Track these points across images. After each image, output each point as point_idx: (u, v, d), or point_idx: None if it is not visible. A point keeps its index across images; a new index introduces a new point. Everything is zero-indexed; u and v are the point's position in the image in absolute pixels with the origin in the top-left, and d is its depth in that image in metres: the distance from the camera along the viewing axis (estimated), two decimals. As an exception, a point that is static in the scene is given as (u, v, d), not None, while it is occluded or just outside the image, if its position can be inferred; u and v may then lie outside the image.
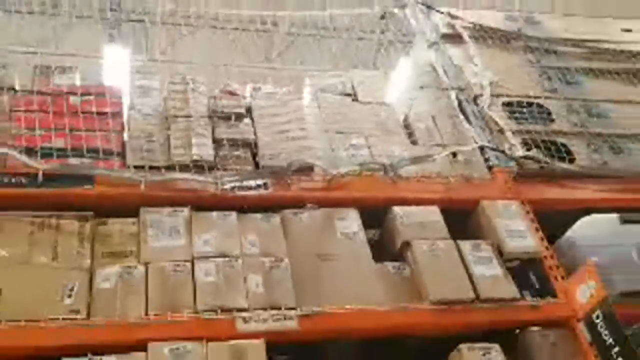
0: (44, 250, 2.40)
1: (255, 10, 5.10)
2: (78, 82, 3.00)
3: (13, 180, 2.52)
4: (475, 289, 2.68)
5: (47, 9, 4.48)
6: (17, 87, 2.89)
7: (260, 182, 2.83)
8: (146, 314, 2.35)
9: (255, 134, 3.05)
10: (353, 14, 4.36)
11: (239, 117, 3.09)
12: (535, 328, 2.70)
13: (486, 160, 3.26)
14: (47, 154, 2.64)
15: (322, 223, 2.81)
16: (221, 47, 5.55)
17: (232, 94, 3.19)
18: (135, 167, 2.74)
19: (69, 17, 4.58)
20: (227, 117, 3.07)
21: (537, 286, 2.80)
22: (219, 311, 2.40)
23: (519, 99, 3.64)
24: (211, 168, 2.84)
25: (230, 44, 5.64)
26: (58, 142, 2.70)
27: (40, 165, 2.54)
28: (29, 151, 2.62)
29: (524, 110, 3.58)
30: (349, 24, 4.91)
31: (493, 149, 3.28)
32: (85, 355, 2.18)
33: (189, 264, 2.51)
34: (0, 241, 2.39)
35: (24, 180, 2.53)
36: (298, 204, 2.84)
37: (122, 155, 2.79)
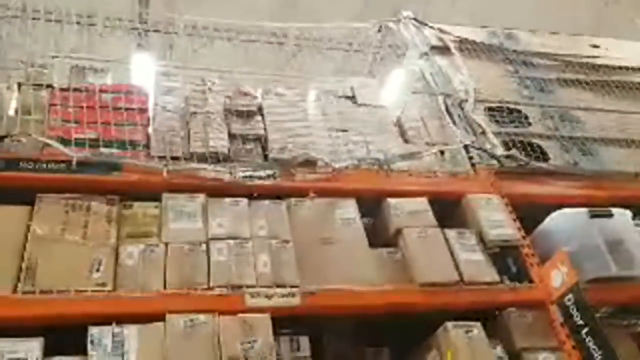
0: (75, 229, 2.34)
1: (267, 22, 5.05)
2: (109, 82, 2.94)
3: (50, 166, 2.46)
4: (459, 273, 2.62)
5: (83, 20, 4.42)
6: (54, 85, 2.83)
7: (269, 172, 2.78)
8: (165, 288, 2.30)
9: (265, 130, 2.99)
10: (353, 27, 4.28)
11: (251, 114, 3.04)
12: (513, 309, 2.65)
13: (470, 158, 3.20)
14: (80, 144, 2.58)
15: (323, 210, 2.75)
16: (235, 56, 5.48)
17: (245, 94, 3.13)
18: (159, 157, 2.69)
19: (103, 27, 4.52)
20: (240, 115, 3.01)
21: (514, 271, 2.74)
22: (229, 287, 2.35)
23: (499, 104, 3.58)
24: (226, 159, 2.79)
25: (243, 53, 5.57)
26: (90, 134, 2.64)
27: (74, 154, 2.48)
28: (65, 141, 2.55)
29: (504, 114, 3.52)
30: (349, 36, 4.86)
31: (476, 148, 3.22)
32: (110, 324, 2.13)
33: (204, 245, 2.45)
34: (38, 220, 2.33)
35: (59, 166, 2.47)
36: (302, 193, 2.78)
37: (147, 146, 2.73)
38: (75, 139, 2.59)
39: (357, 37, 4.80)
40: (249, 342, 2.17)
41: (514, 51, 4.01)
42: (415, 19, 3.97)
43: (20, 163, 2.45)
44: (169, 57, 5.46)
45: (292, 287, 2.41)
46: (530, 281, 2.72)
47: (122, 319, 2.16)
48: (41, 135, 2.56)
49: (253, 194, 2.72)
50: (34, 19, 3.65)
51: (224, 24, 4.87)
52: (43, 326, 2.14)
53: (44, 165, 2.46)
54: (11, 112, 2.77)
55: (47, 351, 2.04)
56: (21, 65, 2.97)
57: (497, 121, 3.45)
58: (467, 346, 2.42)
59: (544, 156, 3.36)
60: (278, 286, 2.40)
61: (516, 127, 3.48)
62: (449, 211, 2.95)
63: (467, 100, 3.46)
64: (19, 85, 2.85)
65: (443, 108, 3.44)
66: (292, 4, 6.90)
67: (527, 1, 6.52)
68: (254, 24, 4.93)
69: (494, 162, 3.19)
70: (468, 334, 2.46)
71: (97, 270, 2.25)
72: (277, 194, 2.75)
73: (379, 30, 4.07)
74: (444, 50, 3.83)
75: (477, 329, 2.48)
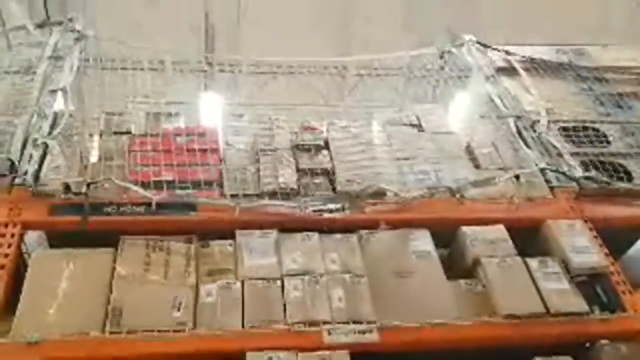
0: (157, 269, 2.43)
1: (327, 57, 5.14)
2: (182, 125, 3.07)
3: (132, 209, 2.58)
4: (544, 303, 2.50)
5: (154, 66, 4.67)
6: (132, 131, 2.99)
7: (338, 206, 2.78)
8: (243, 326, 2.32)
9: (332, 163, 3.02)
10: (414, 54, 4.28)
11: (318, 149, 3.08)
12: (605, 341, 2.48)
13: (547, 181, 3.06)
14: (158, 186, 2.69)
15: (396, 242, 2.71)
16: (298, 90, 5.60)
17: (311, 129, 3.18)
18: (231, 195, 2.76)
19: (172, 71, 4.76)
20: (307, 150, 3.06)
21: (605, 300, 2.58)
22: (306, 324, 2.34)
23: (574, 124, 3.45)
24: (295, 194, 2.82)
25: (306, 87, 5.68)
26: (167, 176, 2.75)
27: (153, 196, 2.59)
28: (144, 184, 2.67)
29: (580, 134, 3.39)
30: (410, 63, 4.87)
31: (553, 171, 3.08)
32: (192, 363, 2.18)
33: (279, 281, 2.47)
34: (122, 262, 2.43)
35: (140, 209, 2.58)
36: (373, 225, 2.75)
37: (220, 185, 2.82)
38: (154, 181, 2.71)
39: (417, 64, 4.80)
40: (329, 380, 2.15)
41: (585, 67, 3.87)
42: (478, 42, 3.92)
43: (104, 207, 2.58)
44: (235, 96, 5.66)
45: (368, 322, 2.38)
46: (623, 310, 2.56)
47: (202, 357, 2.22)
48: (122, 179, 2.69)
49: (323, 228, 2.72)
50: (104, 68, 3.89)
51: (285, 61, 5.01)
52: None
53: (126, 209, 2.58)
54: (93, 159, 2.95)
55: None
56: (101, 114, 3.16)
57: (573, 141, 3.32)
58: (558, 382, 2.30)
59: (627, 176, 3.18)
60: (354, 322, 2.37)
61: (594, 146, 3.33)
62: (528, 239, 2.83)
63: (539, 121, 3.35)
64: (101, 133, 3.03)
65: (514, 131, 3.33)
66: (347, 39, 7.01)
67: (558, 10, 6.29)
68: (314, 59, 5.04)
69: (573, 184, 3.05)
70: (558, 369, 2.33)
71: (178, 309, 2.31)
72: (347, 227, 2.74)
73: (441, 57, 4.04)
74: (510, 71, 3.75)
75: (568, 364, 2.35)
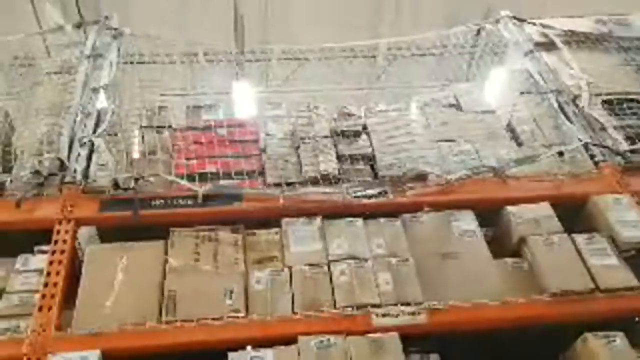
0: (207, 259, 2.51)
1: (357, 41, 5.12)
2: (222, 117, 3.13)
3: (179, 201, 2.66)
4: (593, 280, 2.49)
5: (185, 58, 4.73)
6: (174, 125, 3.06)
7: (380, 190, 2.81)
8: (293, 311, 2.39)
9: (372, 148, 3.04)
10: (450, 33, 4.23)
11: (357, 134, 3.11)
12: (656, 315, 2.47)
13: (592, 157, 3.03)
14: (203, 179, 2.77)
15: (440, 224, 2.73)
16: (331, 75, 5.60)
17: (349, 114, 3.20)
18: (274, 184, 2.81)
19: (205, 63, 4.83)
20: (346, 135, 3.09)
21: (654, 275, 2.55)
22: (355, 307, 2.39)
23: (617, 96, 3.37)
24: (337, 181, 2.86)
25: (338, 72, 5.68)
26: (211, 168, 2.83)
27: (199, 189, 2.66)
28: (189, 177, 2.75)
29: (624, 106, 3.31)
30: (444, 42, 4.81)
31: (598, 145, 3.04)
32: (244, 348, 2.25)
33: (325, 266, 2.52)
34: (173, 253, 2.52)
35: (187, 201, 2.67)
36: (416, 208, 2.78)
37: (262, 174, 2.88)
38: (198, 174, 2.78)
39: (450, 43, 4.75)
40: (381, 362, 2.20)
41: (627, 37, 3.76)
42: (515, 17, 3.85)
43: (152, 202, 2.67)
44: (266, 84, 5.71)
45: (416, 304, 2.41)
46: (674, 284, 2.52)
47: (255, 343, 2.28)
48: (168, 174, 2.77)
49: (366, 213, 2.75)
50: (141, 62, 3.97)
51: (315, 47, 5.01)
52: (184, 353, 2.32)
53: (174, 202, 2.66)
54: (136, 155, 3.04)
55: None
56: (142, 110, 3.24)
57: (617, 114, 3.25)
58: (610, 357, 2.30)
59: (674, 147, 3.10)
60: (402, 304, 2.41)
61: (639, 118, 3.25)
62: (574, 215, 2.81)
63: (581, 95, 3.29)
64: (142, 128, 3.11)
65: (556, 106, 3.28)
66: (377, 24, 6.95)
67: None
68: (345, 44, 5.03)
69: (619, 158, 3.01)
70: (610, 344, 2.33)
71: (230, 297, 2.39)
72: (390, 211, 2.77)
73: (478, 33, 3.98)
74: (549, 45, 3.68)
75: (619, 338, 2.34)
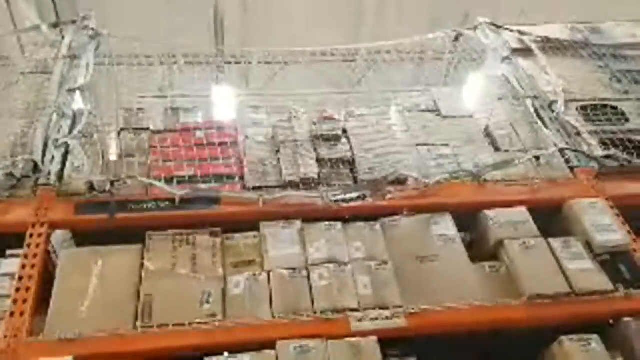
0: (184, 263, 2.48)
1: (337, 45, 5.13)
2: (200, 119, 3.10)
3: (156, 205, 2.62)
4: (569, 283, 2.52)
5: (164, 60, 4.69)
6: (152, 127, 3.02)
7: (359, 194, 2.81)
8: (272, 315, 2.37)
9: (352, 151, 3.04)
10: (428, 38, 4.27)
11: (337, 138, 3.10)
12: (629, 318, 2.50)
13: (567, 161, 3.08)
14: (181, 181, 2.74)
15: (419, 228, 2.74)
16: (310, 79, 5.60)
17: (329, 118, 3.20)
18: (254, 188, 2.80)
19: (183, 64, 4.78)
20: (327, 139, 3.08)
21: (628, 278, 2.60)
22: (333, 312, 2.38)
23: (592, 102, 3.44)
24: (317, 184, 2.86)
25: (318, 76, 5.67)
26: (189, 171, 2.80)
27: (176, 192, 2.63)
28: (167, 180, 2.72)
29: (598, 112, 3.38)
30: (421, 47, 4.85)
31: (573, 150, 3.09)
32: (222, 353, 2.22)
33: (304, 270, 2.51)
34: (149, 257, 2.48)
35: (164, 204, 2.63)
36: (395, 212, 2.79)
37: (242, 178, 2.85)
38: (176, 177, 2.75)
39: (428, 48, 4.79)
40: (359, 366, 2.19)
41: (602, 45, 3.84)
42: (492, 23, 3.90)
43: (129, 205, 2.63)
44: (247, 87, 5.68)
45: (395, 307, 2.41)
46: (647, 287, 2.57)
47: (233, 348, 2.25)
48: (145, 176, 2.73)
49: (346, 217, 2.75)
50: (120, 64, 3.92)
51: (295, 51, 5.01)
52: (160, 359, 2.28)
53: (150, 205, 2.63)
54: (112, 157, 2.99)
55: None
56: (119, 111, 3.19)
57: (591, 120, 3.31)
58: (585, 360, 2.32)
59: (647, 153, 3.17)
60: (381, 308, 2.41)
61: (613, 124, 3.32)
62: (550, 219, 2.84)
63: (557, 101, 3.34)
64: (119, 130, 3.06)
65: (532, 111, 3.34)
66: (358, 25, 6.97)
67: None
68: (324, 48, 5.03)
69: (593, 163, 3.06)
70: (585, 347, 2.36)
71: (208, 301, 2.36)
72: (370, 215, 2.77)
73: (456, 39, 4.02)
74: (526, 52, 3.74)
75: (595, 341, 2.38)
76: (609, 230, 2.72)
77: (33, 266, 2.42)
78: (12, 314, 2.27)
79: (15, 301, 2.30)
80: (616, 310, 2.53)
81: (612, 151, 3.08)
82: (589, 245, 2.68)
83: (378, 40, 4.86)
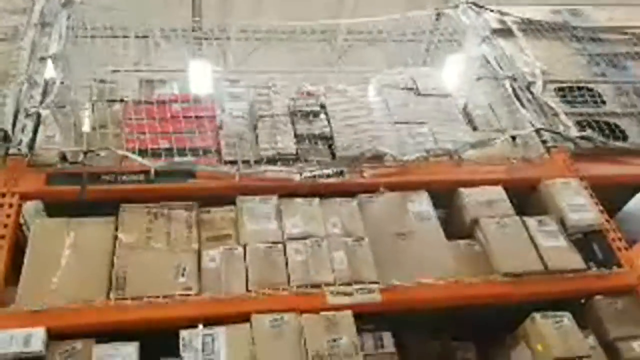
0: (159, 236, 2.45)
1: (315, 22, 5.07)
2: (176, 92, 3.04)
3: (130, 177, 2.58)
4: (543, 261, 2.57)
5: (139, 33, 4.58)
6: (126, 99, 2.96)
7: (337, 170, 2.80)
8: (247, 289, 2.36)
9: (330, 128, 3.02)
10: (407, 16, 4.24)
11: (316, 114, 3.08)
12: (600, 296, 2.57)
13: (543, 142, 3.11)
14: (156, 154, 2.69)
15: (395, 205, 2.75)
16: (290, 55, 5.53)
17: (308, 94, 3.17)
18: (230, 162, 2.76)
19: (159, 38, 4.68)
20: (305, 115, 3.05)
21: (601, 257, 2.66)
22: (309, 286, 2.39)
23: (570, 84, 3.47)
24: (294, 160, 2.84)
25: (297, 52, 5.61)
26: (164, 144, 2.75)
27: (151, 164, 2.59)
28: (141, 152, 2.67)
29: (576, 94, 3.41)
30: (400, 26, 4.83)
31: (549, 131, 3.13)
32: (196, 326, 2.21)
33: (280, 245, 2.50)
34: (124, 230, 2.44)
35: (138, 177, 2.59)
36: (372, 188, 2.79)
37: (218, 152, 2.82)
38: (151, 149, 2.70)
39: (408, 27, 4.77)
40: (334, 340, 2.21)
41: (581, 27, 3.87)
42: (474, 3, 3.89)
43: (102, 176, 2.58)
44: (224, 62, 5.59)
45: (370, 283, 2.42)
46: (619, 266, 2.63)
47: (208, 321, 2.24)
48: (119, 148, 2.68)
49: (323, 193, 2.75)
50: (93, 36, 3.82)
51: (275, 26, 4.94)
52: (133, 331, 2.26)
53: (125, 177, 2.58)
54: (85, 128, 2.92)
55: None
56: (93, 82, 3.12)
57: (568, 102, 3.35)
58: (557, 337, 2.37)
59: (622, 135, 3.22)
60: (356, 283, 2.42)
61: (589, 106, 3.36)
62: (525, 198, 2.88)
63: (535, 82, 3.37)
64: (93, 101, 2.99)
65: (510, 92, 3.35)
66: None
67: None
68: (304, 24, 4.96)
69: (569, 144, 3.10)
70: (558, 324, 2.41)
71: (182, 274, 2.34)
72: (347, 191, 2.77)
73: (437, 18, 4.01)
74: (506, 32, 3.75)
75: (567, 318, 2.42)
76: (583, 210, 2.77)
77: (3, 237, 2.37)
78: (-19, 284, 2.22)
79: (-16, 272, 2.25)
80: (588, 289, 2.60)
81: (588, 132, 3.12)
82: (562, 224, 2.72)
83: (359, 17, 4.81)
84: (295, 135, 2.94)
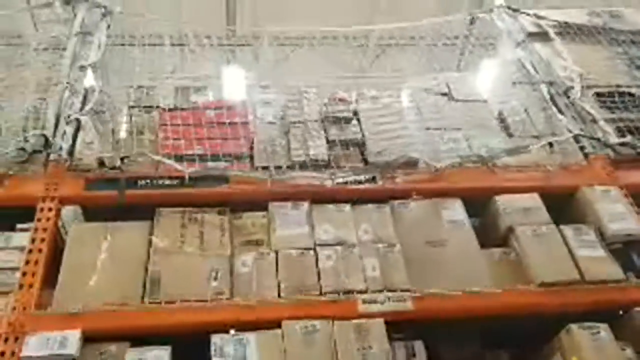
0: (192, 240, 2.48)
1: (348, 27, 5.06)
2: (211, 98, 3.08)
3: (165, 182, 2.62)
4: (579, 271, 2.49)
5: (175, 41, 4.66)
6: (162, 105, 3.01)
7: (369, 176, 2.78)
8: (279, 295, 2.36)
9: (362, 133, 3.01)
10: (442, 21, 4.19)
11: (348, 120, 3.07)
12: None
13: (581, 148, 3.03)
14: (190, 160, 2.72)
15: (428, 212, 2.71)
16: (321, 62, 5.54)
17: (340, 100, 3.16)
18: (262, 167, 2.77)
19: (194, 46, 4.76)
20: (337, 121, 3.05)
21: (640, 267, 2.56)
22: (340, 293, 2.37)
23: (609, 89, 3.36)
24: (326, 166, 2.83)
25: (328, 58, 5.62)
26: (199, 149, 2.78)
27: (186, 170, 2.62)
28: (176, 158, 2.71)
29: (615, 99, 3.31)
30: (434, 31, 4.78)
31: (588, 137, 3.04)
32: (227, 331, 2.22)
33: (312, 251, 2.50)
34: (158, 234, 2.48)
35: (173, 182, 2.62)
36: (405, 195, 2.76)
37: (251, 157, 2.83)
38: (186, 155, 2.74)
39: (442, 32, 4.71)
40: (365, 348, 2.18)
41: (621, 30, 3.75)
42: (509, 7, 3.82)
43: (139, 181, 2.62)
44: (257, 68, 5.64)
45: (402, 290, 2.39)
46: (659, 277, 2.53)
47: (239, 326, 2.25)
48: (155, 153, 2.72)
49: (355, 199, 2.73)
50: (132, 44, 3.90)
51: (306, 32, 4.94)
52: (166, 334, 2.28)
53: (160, 182, 2.62)
54: (123, 134, 2.98)
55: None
56: (130, 89, 3.18)
57: (608, 107, 3.25)
58: (594, 349, 2.30)
59: (664, 141, 3.10)
60: (389, 291, 2.39)
61: (630, 111, 3.25)
62: (562, 206, 2.80)
63: (573, 87, 3.28)
64: (130, 108, 3.05)
65: (547, 97, 3.28)
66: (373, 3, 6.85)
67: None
68: (336, 29, 4.96)
69: (608, 150, 3.01)
70: (594, 336, 2.33)
71: (215, 279, 2.36)
72: (379, 198, 2.75)
73: (471, 23, 3.95)
74: (542, 36, 3.66)
75: (604, 330, 2.34)
76: (622, 219, 2.68)
77: (42, 240, 2.43)
78: (20, 286, 2.28)
79: (24, 274, 2.31)
80: (627, 300, 2.51)
81: (628, 138, 3.02)
82: (601, 233, 2.64)
83: (392, 22, 4.78)
84: (327, 141, 2.94)
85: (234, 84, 3.60)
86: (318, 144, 2.90)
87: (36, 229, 2.45)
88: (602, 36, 3.71)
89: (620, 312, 2.53)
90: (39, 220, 2.48)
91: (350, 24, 5.09)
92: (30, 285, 2.29)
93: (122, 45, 3.77)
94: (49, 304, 2.29)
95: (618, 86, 3.38)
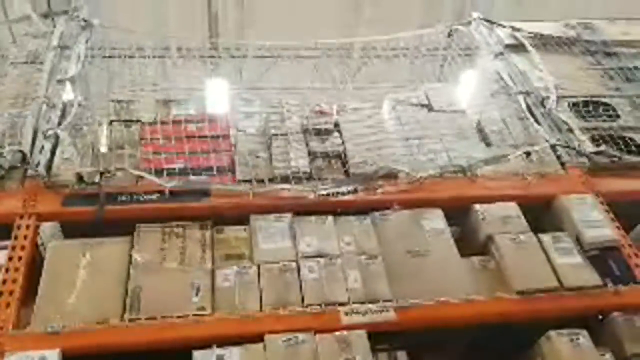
0: (173, 255, 2.44)
1: (332, 39, 5.08)
2: (193, 112, 3.06)
3: (145, 197, 2.58)
4: (558, 278, 2.51)
5: (159, 53, 4.63)
6: (143, 119, 2.98)
7: (351, 188, 2.78)
8: (261, 309, 2.34)
9: (344, 145, 3.00)
10: (422, 33, 4.23)
11: (329, 132, 3.06)
12: (618, 313, 2.50)
13: (558, 157, 3.06)
14: (171, 174, 2.69)
15: (409, 222, 2.71)
16: (304, 73, 5.54)
17: (321, 112, 3.16)
18: (244, 180, 2.75)
19: (176, 58, 4.74)
20: (318, 133, 3.04)
21: (617, 273, 2.59)
22: (323, 305, 2.36)
23: (584, 98, 3.41)
24: (308, 178, 2.82)
25: (311, 70, 5.61)
26: (179, 163, 2.75)
27: (166, 184, 2.59)
28: (157, 172, 2.68)
29: (590, 109, 3.35)
30: (415, 43, 4.82)
31: (564, 147, 3.07)
32: (210, 346, 2.19)
33: (294, 264, 2.48)
34: (138, 250, 2.45)
35: (154, 197, 2.59)
36: (386, 206, 2.76)
37: (232, 171, 2.81)
38: (167, 169, 2.71)
39: (423, 43, 4.76)
40: (349, 359, 2.17)
41: (594, 42, 3.82)
42: (486, 19, 3.87)
43: (118, 197, 2.59)
44: (240, 80, 5.63)
45: (385, 301, 2.39)
46: (636, 282, 2.57)
47: (222, 341, 2.22)
48: (135, 168, 2.69)
49: (337, 211, 2.72)
50: (111, 56, 3.87)
51: (290, 45, 4.95)
52: (147, 352, 2.24)
53: (140, 197, 2.59)
54: (102, 149, 2.94)
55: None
56: (110, 103, 3.15)
57: (583, 116, 3.29)
58: (573, 355, 2.32)
59: (637, 149, 3.15)
60: (371, 302, 2.38)
61: (604, 121, 3.30)
62: (540, 215, 2.83)
63: (549, 97, 3.32)
64: (110, 122, 3.01)
65: (524, 107, 3.31)
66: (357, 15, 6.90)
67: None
68: (319, 41, 4.97)
69: (584, 159, 3.04)
70: (574, 342, 2.35)
71: (196, 294, 2.33)
72: (361, 209, 2.74)
73: (449, 35, 3.99)
74: (519, 48, 3.71)
75: (583, 336, 2.37)
76: (599, 226, 2.71)
77: (20, 258, 2.38)
78: (-2, 305, 2.23)
79: (1, 293, 2.26)
80: (605, 306, 2.53)
81: (603, 147, 3.06)
82: (578, 240, 2.67)
83: (373, 35, 4.81)
84: (309, 154, 2.93)
85: (216, 96, 3.59)
86: (300, 155, 2.90)
87: (14, 247, 2.39)
88: (576, 47, 3.78)
89: (599, 318, 2.55)
90: (16, 237, 2.43)
91: (334, 35, 5.11)
92: (8, 305, 2.23)
93: (103, 57, 3.73)
94: (27, 322, 2.23)
95: (592, 96, 3.43)
